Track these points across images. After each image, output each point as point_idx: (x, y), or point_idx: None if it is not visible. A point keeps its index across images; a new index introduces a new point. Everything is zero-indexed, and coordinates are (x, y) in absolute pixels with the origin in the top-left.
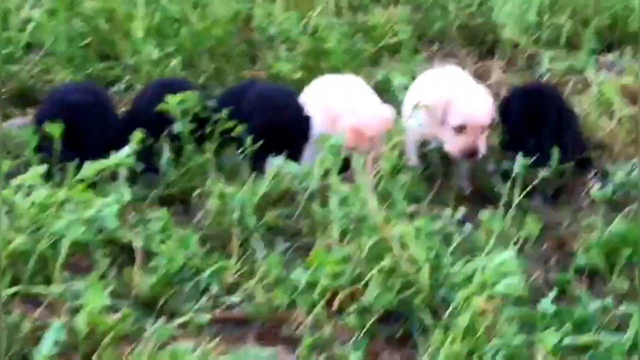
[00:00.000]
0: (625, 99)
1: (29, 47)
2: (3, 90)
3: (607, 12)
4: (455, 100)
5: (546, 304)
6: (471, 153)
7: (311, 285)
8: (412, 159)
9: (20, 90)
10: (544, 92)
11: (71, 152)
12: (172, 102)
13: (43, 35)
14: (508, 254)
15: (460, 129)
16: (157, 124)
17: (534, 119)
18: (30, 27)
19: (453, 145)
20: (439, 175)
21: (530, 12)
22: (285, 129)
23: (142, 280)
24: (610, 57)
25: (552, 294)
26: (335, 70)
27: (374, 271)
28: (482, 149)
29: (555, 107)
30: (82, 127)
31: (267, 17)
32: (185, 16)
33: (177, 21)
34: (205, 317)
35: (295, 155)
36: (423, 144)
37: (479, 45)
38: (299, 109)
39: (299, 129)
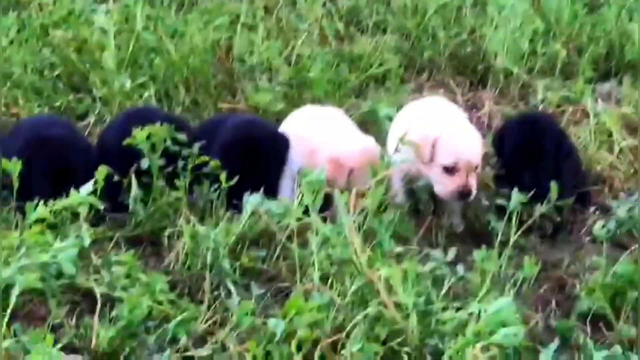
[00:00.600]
0: (624, 130)
1: None
2: None
3: (603, 40)
4: (444, 138)
5: (548, 355)
6: (463, 194)
7: (288, 336)
8: (399, 195)
9: None
10: (541, 121)
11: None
12: (139, 136)
13: (10, 65)
14: (505, 301)
15: (451, 169)
16: (126, 158)
17: (531, 151)
18: None
19: (443, 186)
20: (428, 213)
21: (523, 39)
22: (259, 151)
23: (101, 331)
24: (607, 86)
25: (554, 344)
26: (319, 101)
27: (358, 318)
28: (474, 189)
29: (553, 138)
30: (68, 163)
31: (247, 46)
32: (161, 45)
33: (153, 50)
34: None
35: (271, 183)
36: (410, 179)
37: (470, 74)
38: (274, 133)
39: (274, 150)
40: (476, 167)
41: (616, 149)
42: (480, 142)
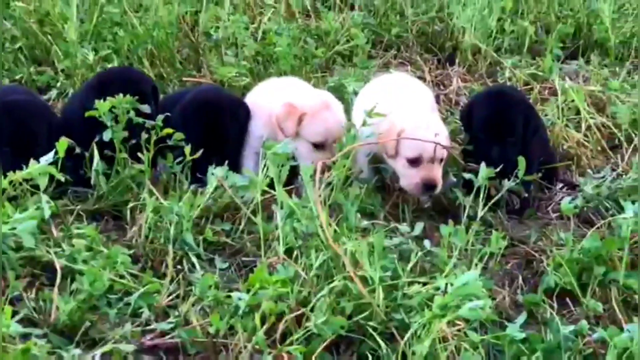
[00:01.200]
0: (592, 108)
1: None
2: None
3: (571, 19)
4: (408, 131)
5: (514, 329)
6: (428, 187)
7: (252, 309)
8: (365, 170)
9: None
10: (509, 95)
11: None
12: (102, 107)
13: None
14: (472, 275)
15: (415, 161)
16: (90, 129)
17: (499, 124)
18: None
19: (408, 178)
20: (394, 188)
21: (491, 17)
22: (218, 115)
23: (61, 304)
24: (574, 64)
25: (521, 318)
26: (285, 75)
27: (323, 292)
28: (440, 182)
29: (521, 112)
30: (31, 129)
31: (213, 21)
32: (125, 19)
33: (117, 24)
34: (130, 346)
35: (232, 151)
36: (375, 156)
37: (437, 52)
38: (234, 98)
39: (233, 115)
40: (441, 160)
41: (584, 126)
42: (445, 134)
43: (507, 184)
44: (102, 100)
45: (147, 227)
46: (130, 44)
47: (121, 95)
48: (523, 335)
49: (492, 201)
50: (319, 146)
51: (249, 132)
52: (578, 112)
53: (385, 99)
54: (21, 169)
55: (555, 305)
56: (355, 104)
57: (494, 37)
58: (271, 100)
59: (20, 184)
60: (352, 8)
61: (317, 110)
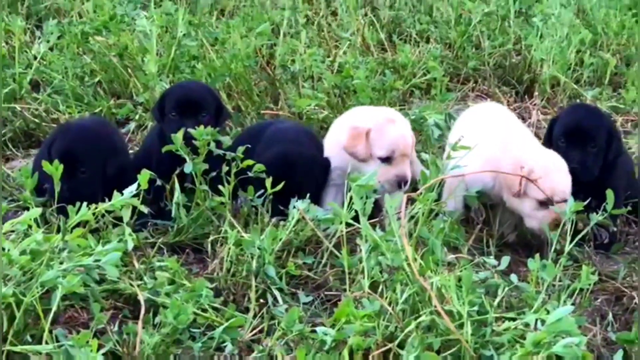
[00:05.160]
0: None
1: (36, 85)
2: (5, 130)
3: None
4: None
5: None
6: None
7: (338, 344)
8: (451, 202)
9: (24, 130)
10: (594, 108)
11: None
12: (177, 141)
13: (51, 72)
14: (564, 310)
15: (545, 203)
16: (171, 161)
17: (580, 131)
18: (36, 63)
19: (538, 220)
20: (478, 222)
21: (570, 49)
22: (299, 166)
23: (145, 338)
24: None
25: (617, 356)
26: None
27: (411, 327)
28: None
29: (605, 125)
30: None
31: (289, 54)
32: (203, 52)
33: (194, 58)
34: None
35: (313, 195)
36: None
37: (515, 84)
38: (315, 145)
39: (314, 166)
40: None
41: None
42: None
43: (595, 217)
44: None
45: (228, 261)
46: (207, 77)
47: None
48: None
49: (580, 235)
50: (385, 160)
51: None
52: None
53: (489, 130)
54: None
55: None
56: (453, 132)
57: (572, 69)
58: (342, 131)
59: (103, 215)
60: (427, 41)
61: (381, 125)
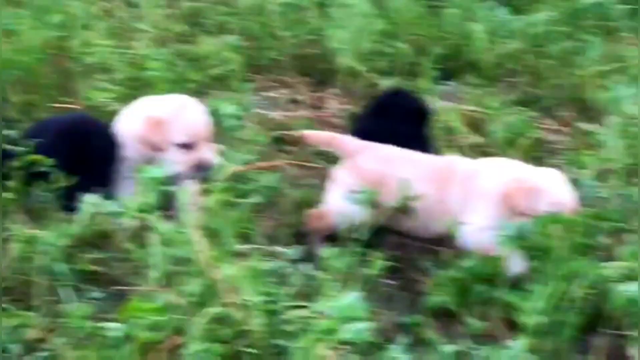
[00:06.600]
0: (468, 128)
1: None
2: None
3: (446, 41)
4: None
5: (396, 351)
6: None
7: (128, 339)
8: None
9: None
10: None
11: None
12: None
13: None
14: (352, 297)
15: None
16: None
17: None
18: None
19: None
20: (272, 210)
21: (366, 39)
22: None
23: None
24: (450, 85)
25: (402, 339)
26: None
27: (197, 319)
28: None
29: None
30: None
31: (84, 46)
32: None
33: None
34: None
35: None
36: None
37: (314, 74)
38: (102, 132)
39: (107, 136)
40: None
41: (460, 146)
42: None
43: None
44: None
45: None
46: None
47: None
48: (406, 356)
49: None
50: (186, 146)
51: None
52: (453, 132)
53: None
54: None
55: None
56: None
57: (369, 59)
58: (135, 121)
59: None
60: (229, 33)
61: (177, 111)
